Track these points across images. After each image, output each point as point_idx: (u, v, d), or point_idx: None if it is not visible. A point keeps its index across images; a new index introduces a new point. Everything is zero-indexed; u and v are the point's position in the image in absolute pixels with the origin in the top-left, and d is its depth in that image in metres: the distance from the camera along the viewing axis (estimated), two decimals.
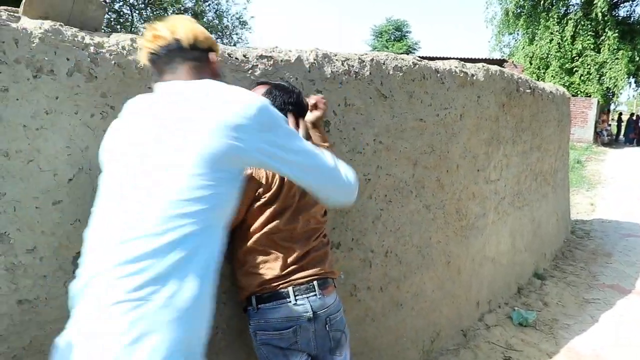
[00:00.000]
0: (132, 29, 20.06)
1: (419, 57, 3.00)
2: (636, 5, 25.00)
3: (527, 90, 4.16)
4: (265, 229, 1.86)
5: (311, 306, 1.84)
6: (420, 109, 2.84)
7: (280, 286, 1.84)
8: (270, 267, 1.86)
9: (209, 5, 21.79)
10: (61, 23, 1.64)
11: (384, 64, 2.64)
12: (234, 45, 21.25)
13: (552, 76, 22.60)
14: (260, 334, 1.84)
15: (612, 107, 32.49)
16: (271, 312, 1.83)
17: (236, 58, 2.06)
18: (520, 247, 4.41)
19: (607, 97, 23.93)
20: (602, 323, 4.00)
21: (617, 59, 22.09)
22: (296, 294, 1.84)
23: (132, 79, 1.73)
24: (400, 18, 40.35)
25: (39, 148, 1.53)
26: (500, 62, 17.98)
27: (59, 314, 1.59)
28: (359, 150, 2.48)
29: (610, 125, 27.61)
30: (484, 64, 3.57)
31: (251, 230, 1.87)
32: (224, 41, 21.87)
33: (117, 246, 1.25)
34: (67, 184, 1.59)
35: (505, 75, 3.77)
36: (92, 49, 1.65)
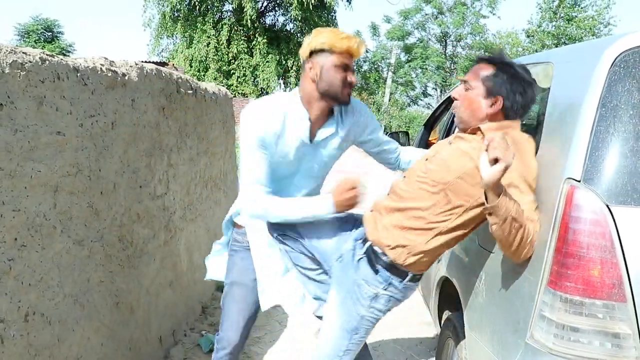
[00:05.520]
0: None
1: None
2: (279, 15, 27.53)
3: (189, 91, 3.81)
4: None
5: None
6: (56, 118, 2.19)
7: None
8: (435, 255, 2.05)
9: None
10: None
11: None
12: None
13: (212, 78, 23.38)
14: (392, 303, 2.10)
15: None
16: (410, 291, 2.12)
17: None
18: (198, 263, 4.05)
19: (262, 96, 25.92)
20: (289, 325, 3.93)
21: (267, 62, 24.03)
22: None
23: None
24: (50, 17, 36.81)
25: None
26: (160, 65, 17.73)
27: None
28: None
29: None
30: (138, 62, 3.07)
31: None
32: None
33: None
34: None
35: (164, 74, 3.33)
36: None
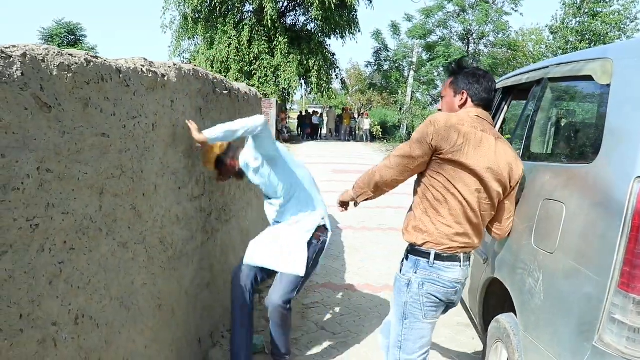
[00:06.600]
0: None
1: None
2: (300, 15, 27.52)
3: (224, 92, 3.79)
4: None
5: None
6: (101, 120, 2.18)
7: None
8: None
9: None
10: None
11: (43, 60, 1.90)
12: None
13: (233, 79, 23.43)
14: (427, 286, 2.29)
15: (288, 106, 35.42)
16: (445, 272, 2.26)
17: None
18: (233, 264, 4.03)
19: (284, 97, 25.88)
20: (327, 327, 3.88)
21: (289, 62, 23.99)
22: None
23: None
24: (73, 21, 37.22)
25: None
26: None
27: None
28: (15, 186, 1.72)
29: (287, 123, 30.00)
30: (176, 63, 3.06)
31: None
32: None
33: None
34: None
35: (200, 75, 3.31)
36: None
